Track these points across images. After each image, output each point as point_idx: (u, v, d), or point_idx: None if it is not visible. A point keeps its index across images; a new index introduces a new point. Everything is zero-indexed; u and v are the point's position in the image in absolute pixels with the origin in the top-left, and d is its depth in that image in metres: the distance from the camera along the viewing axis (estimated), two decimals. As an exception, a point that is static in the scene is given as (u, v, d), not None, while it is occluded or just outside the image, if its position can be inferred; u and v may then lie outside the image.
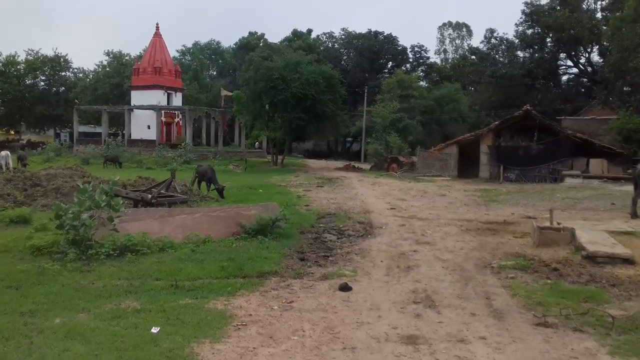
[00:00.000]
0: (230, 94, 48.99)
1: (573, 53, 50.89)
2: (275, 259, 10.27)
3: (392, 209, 18.73)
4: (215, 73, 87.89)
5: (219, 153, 49.40)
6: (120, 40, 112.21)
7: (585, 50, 50.61)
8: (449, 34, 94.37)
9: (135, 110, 54.11)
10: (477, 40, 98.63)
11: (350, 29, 72.50)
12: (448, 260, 10.71)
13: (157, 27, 55.50)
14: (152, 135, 52.73)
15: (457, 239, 13.08)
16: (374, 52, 69.30)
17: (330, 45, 72.54)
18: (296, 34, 67.97)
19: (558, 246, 11.28)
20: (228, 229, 12.13)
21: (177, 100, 55.52)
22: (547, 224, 12.15)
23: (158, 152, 44.80)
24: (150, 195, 15.90)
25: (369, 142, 48.30)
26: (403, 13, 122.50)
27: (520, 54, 56.65)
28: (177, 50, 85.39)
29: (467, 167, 34.31)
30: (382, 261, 10.60)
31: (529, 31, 54.41)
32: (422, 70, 75.76)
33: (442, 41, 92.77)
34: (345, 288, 8.50)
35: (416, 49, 74.82)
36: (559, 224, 12.18)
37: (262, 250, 10.85)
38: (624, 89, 35.10)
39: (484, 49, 56.81)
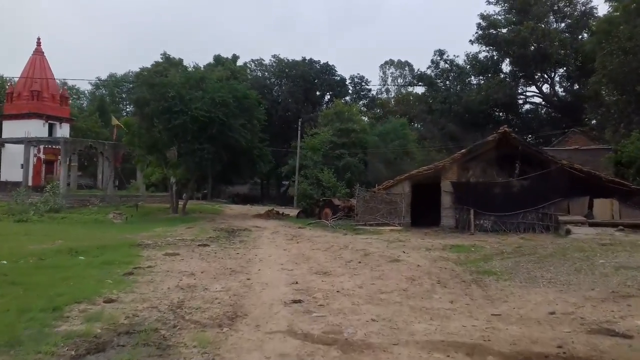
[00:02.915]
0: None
1: (538, 75, 43.66)
2: None
3: (295, 301, 8.91)
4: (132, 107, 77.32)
5: (108, 198, 38.53)
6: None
7: (552, 70, 43.48)
8: (391, 72, 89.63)
9: (7, 146, 42.70)
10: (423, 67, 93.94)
11: (282, 56, 63.76)
12: None
13: (39, 42, 44.80)
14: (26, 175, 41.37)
15: None
16: (309, 81, 60.71)
17: (259, 74, 63.51)
18: (219, 60, 58.56)
19: None
20: None
21: (64, 132, 44.49)
22: None
23: (16, 197, 33.61)
24: None
25: (301, 181, 38.83)
26: (343, 51, 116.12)
27: (473, 80, 49.36)
28: (90, 83, 74.83)
29: (423, 212, 25.16)
30: None
31: (482, 54, 47.29)
32: (364, 105, 67.79)
33: (384, 80, 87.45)
34: None
35: (356, 79, 67.00)
36: None
37: None
38: (629, 104, 27.11)
39: (432, 74, 49.02)
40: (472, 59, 48.43)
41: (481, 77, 48.97)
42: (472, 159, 24.06)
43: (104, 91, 76.03)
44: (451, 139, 44.40)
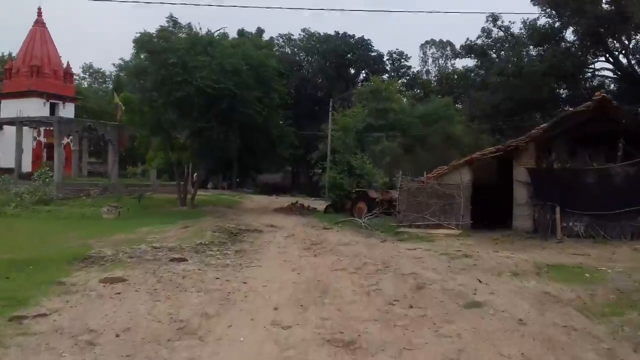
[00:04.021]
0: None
1: (614, 38, 36.53)
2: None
3: None
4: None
5: (111, 187, 33.60)
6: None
7: (631, 36, 36.32)
8: (432, 53, 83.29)
9: (6, 128, 38.29)
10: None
11: (312, 30, 57.70)
12: None
13: (40, 13, 40.07)
14: (26, 161, 36.95)
15: None
16: (342, 56, 54.70)
17: (288, 51, 57.68)
18: (242, 35, 53.04)
19: None
20: None
21: (68, 112, 39.78)
22: None
23: (1, 184, 28.96)
24: None
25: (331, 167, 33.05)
26: (380, 28, 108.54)
27: (531, 51, 42.43)
28: (114, 64, 70.77)
29: (486, 209, 19.10)
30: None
31: (542, 20, 40.29)
32: (403, 84, 61.33)
33: (424, 60, 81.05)
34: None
35: (395, 55, 60.53)
36: None
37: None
38: None
39: (483, 44, 42.19)
40: (530, 26, 41.48)
41: (540, 47, 41.99)
42: (555, 136, 17.84)
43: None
44: (507, 119, 37.80)
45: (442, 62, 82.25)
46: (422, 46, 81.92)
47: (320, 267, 11.35)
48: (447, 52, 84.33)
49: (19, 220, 22.83)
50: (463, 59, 44.40)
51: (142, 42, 26.88)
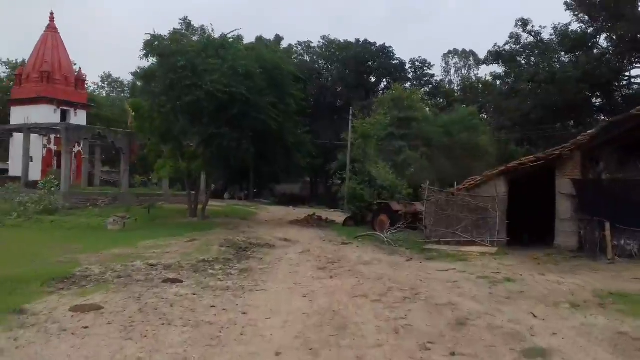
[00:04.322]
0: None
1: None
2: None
3: None
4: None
5: (121, 197, 32.22)
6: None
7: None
8: (455, 63, 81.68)
9: (16, 136, 37.31)
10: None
11: (332, 37, 56.14)
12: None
13: (52, 18, 39.19)
14: (35, 169, 35.81)
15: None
16: (363, 64, 52.97)
17: (307, 58, 56.16)
18: (261, 42, 51.78)
19: None
20: None
21: (79, 120, 38.65)
22: None
23: (4, 195, 27.74)
24: None
25: (350, 177, 31.23)
26: (401, 44, 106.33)
27: (563, 58, 40.34)
28: (131, 73, 70.12)
29: (522, 224, 17.14)
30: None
31: (575, 26, 38.26)
32: (426, 92, 59.40)
33: (446, 70, 79.49)
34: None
35: (417, 63, 58.66)
36: None
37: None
38: None
39: (512, 50, 40.12)
40: (561, 32, 39.43)
41: (572, 54, 39.88)
42: (603, 144, 15.88)
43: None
44: (537, 128, 35.65)
45: (465, 72, 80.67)
46: (445, 56, 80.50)
47: (336, 293, 9.56)
48: (470, 61, 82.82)
49: (17, 231, 21.47)
50: (490, 65, 42.31)
51: (152, 45, 25.55)
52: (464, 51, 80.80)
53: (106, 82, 72.39)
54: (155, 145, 28.71)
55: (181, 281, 10.45)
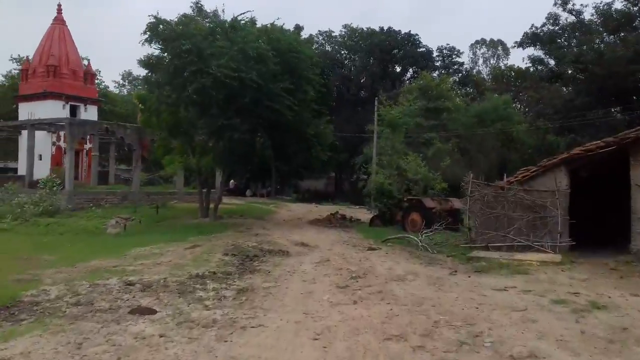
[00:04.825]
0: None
1: None
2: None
3: None
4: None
5: (131, 195, 29.97)
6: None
7: None
8: (482, 53, 78.44)
9: (24, 133, 35.28)
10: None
11: (354, 25, 53.00)
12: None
13: (59, 10, 37.12)
14: (44, 168, 33.77)
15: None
16: (388, 52, 49.90)
17: (328, 48, 53.23)
18: (275, 25, 49.00)
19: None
20: None
21: (90, 116, 36.53)
22: None
23: (3, 195, 25.73)
24: None
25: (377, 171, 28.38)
26: (427, 31, 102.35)
27: (606, 39, 36.79)
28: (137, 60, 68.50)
29: (588, 224, 14.11)
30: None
31: (618, 5, 34.71)
32: (455, 82, 56.09)
33: (474, 61, 76.37)
34: None
35: (445, 52, 55.29)
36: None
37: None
38: None
39: (550, 31, 36.63)
40: (603, 11, 35.89)
41: (616, 35, 36.32)
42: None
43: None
44: (582, 115, 32.20)
45: (494, 61, 77.29)
46: (472, 46, 77.47)
47: (361, 331, 6.84)
48: (498, 51, 79.25)
49: (2, 235, 19.31)
50: (525, 49, 38.85)
51: (156, 29, 23.05)
52: (492, 41, 77.51)
53: (127, 80, 71.11)
54: (163, 140, 26.39)
55: (154, 311, 7.86)
